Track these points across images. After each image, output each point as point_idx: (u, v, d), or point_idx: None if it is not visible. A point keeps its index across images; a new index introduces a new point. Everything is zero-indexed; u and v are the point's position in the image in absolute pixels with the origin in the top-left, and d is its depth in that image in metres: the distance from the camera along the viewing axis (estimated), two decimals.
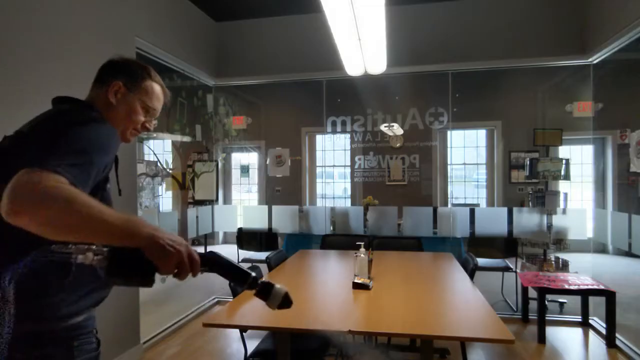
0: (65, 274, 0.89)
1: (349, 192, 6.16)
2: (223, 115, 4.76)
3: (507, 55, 3.78)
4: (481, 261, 3.75)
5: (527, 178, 4.23)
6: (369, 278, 2.22)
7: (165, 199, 4.51)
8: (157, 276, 0.81)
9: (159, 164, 3.84)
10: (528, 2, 3.74)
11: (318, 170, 6.21)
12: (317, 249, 3.64)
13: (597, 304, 3.54)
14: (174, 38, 3.58)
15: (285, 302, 0.90)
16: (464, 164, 6.17)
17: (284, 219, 4.33)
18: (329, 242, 3.64)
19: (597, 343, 3.18)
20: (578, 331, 3.43)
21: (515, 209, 3.95)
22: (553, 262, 3.90)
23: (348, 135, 5.25)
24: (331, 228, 4.25)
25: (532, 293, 3.33)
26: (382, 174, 5.03)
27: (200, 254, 0.83)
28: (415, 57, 3.93)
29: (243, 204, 6.98)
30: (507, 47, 3.78)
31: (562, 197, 3.89)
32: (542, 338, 3.11)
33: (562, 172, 3.88)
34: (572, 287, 3.15)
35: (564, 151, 5.41)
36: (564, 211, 3.82)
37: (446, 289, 2.32)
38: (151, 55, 3.33)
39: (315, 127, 5.81)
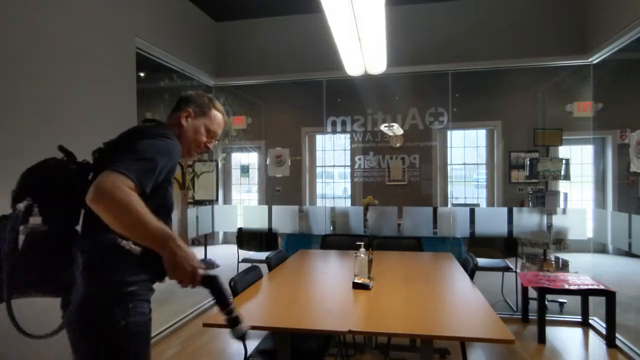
0: (129, 255, 1.16)
1: (349, 192, 6.16)
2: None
3: (507, 55, 3.78)
4: (481, 261, 3.75)
5: (527, 178, 4.23)
6: (369, 278, 2.22)
7: None
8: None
9: None
10: (528, 2, 3.74)
11: (318, 170, 6.21)
12: (317, 249, 3.64)
13: (597, 304, 3.54)
14: (174, 38, 3.58)
15: (242, 337, 1.15)
16: (464, 164, 6.16)
17: (284, 219, 4.33)
18: (329, 242, 3.64)
19: (597, 343, 3.18)
20: (578, 331, 3.43)
21: (515, 209, 3.95)
22: (553, 262, 3.90)
23: (348, 135, 5.24)
24: (331, 228, 4.25)
25: (532, 293, 3.33)
26: (382, 174, 5.03)
27: (203, 275, 1.09)
28: (415, 57, 3.93)
29: (243, 204, 6.98)
30: (507, 47, 3.78)
31: (562, 197, 3.89)
32: (542, 338, 3.11)
33: (562, 172, 3.88)
34: (572, 287, 3.15)
35: (564, 151, 5.41)
36: (564, 211, 3.82)
37: (446, 289, 2.32)
38: (151, 55, 3.33)
39: (315, 127, 5.81)
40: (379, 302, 1.97)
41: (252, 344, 2.11)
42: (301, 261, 3.02)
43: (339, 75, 4.02)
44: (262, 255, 4.25)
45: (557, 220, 3.80)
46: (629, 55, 3.48)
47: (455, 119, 4.51)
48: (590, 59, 3.59)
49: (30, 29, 2.13)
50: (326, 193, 6.39)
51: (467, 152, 6.16)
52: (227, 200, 6.97)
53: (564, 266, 3.87)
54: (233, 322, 1.13)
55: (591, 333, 3.37)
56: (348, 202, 6.15)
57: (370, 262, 2.32)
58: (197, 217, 4.23)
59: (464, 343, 2.28)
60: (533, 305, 3.37)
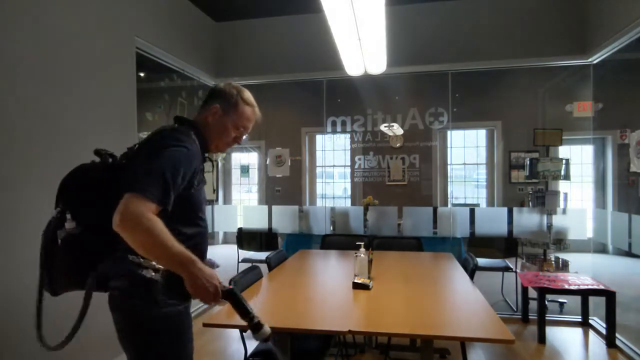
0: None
1: (349, 192, 6.16)
2: None
3: (507, 55, 3.78)
4: (481, 261, 3.75)
5: (527, 178, 4.23)
6: (369, 278, 2.22)
7: None
8: None
9: None
10: (528, 2, 3.74)
11: (318, 170, 6.21)
12: (317, 249, 3.64)
13: (597, 304, 3.54)
14: (174, 38, 3.58)
15: (266, 340, 1.19)
16: (464, 164, 6.16)
17: (284, 219, 4.33)
18: (329, 242, 3.64)
19: (597, 343, 3.18)
20: (578, 331, 3.42)
21: (515, 209, 3.95)
22: (553, 262, 3.90)
23: (348, 135, 5.24)
24: (331, 228, 4.25)
25: (532, 293, 3.33)
26: (382, 174, 5.03)
27: (223, 290, 1.15)
28: (415, 57, 3.93)
29: (243, 204, 6.98)
30: (507, 47, 3.78)
31: (562, 197, 3.89)
32: (542, 338, 3.11)
33: (562, 172, 3.88)
34: (572, 287, 3.15)
35: (564, 151, 5.41)
36: (564, 211, 3.82)
37: (446, 289, 2.32)
38: (151, 55, 3.33)
39: (315, 127, 5.81)
40: (379, 302, 1.96)
41: (252, 344, 2.11)
42: (301, 261, 3.01)
43: (339, 75, 4.02)
44: (262, 255, 4.24)
45: (557, 220, 3.80)
46: (629, 55, 3.48)
47: (455, 119, 4.51)
48: (590, 59, 3.59)
49: (31, 28, 2.13)
50: (326, 193, 6.39)
51: (467, 152, 6.16)
52: (227, 200, 6.97)
53: (564, 266, 3.87)
54: (256, 328, 1.18)
55: (591, 333, 3.37)
56: (348, 202, 6.15)
57: (370, 262, 2.32)
58: None
59: (464, 343, 2.28)
60: (533, 305, 3.37)
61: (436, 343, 2.66)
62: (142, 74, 3.27)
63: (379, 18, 2.42)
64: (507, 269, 3.92)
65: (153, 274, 1.16)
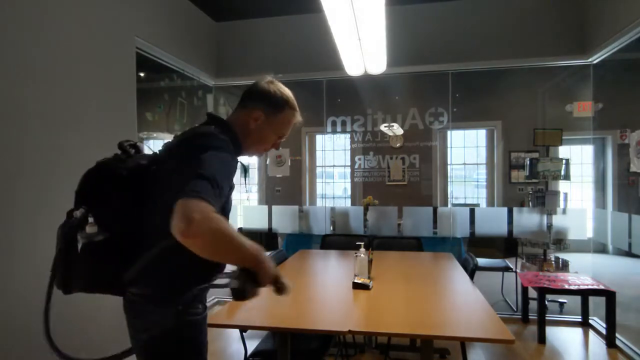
0: (205, 270, 1.12)
1: (349, 192, 6.16)
2: (223, 115, 4.76)
3: (507, 55, 3.78)
4: (481, 261, 3.75)
5: (527, 178, 4.23)
6: (369, 278, 2.22)
7: None
8: None
9: None
10: (528, 2, 3.74)
11: (318, 170, 6.20)
12: (317, 249, 3.64)
13: (597, 304, 3.54)
14: (174, 38, 3.58)
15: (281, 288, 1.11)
16: (464, 164, 6.16)
17: (284, 219, 4.33)
18: (329, 242, 3.64)
19: (597, 343, 3.18)
20: (578, 331, 3.42)
21: (515, 209, 3.95)
22: (553, 262, 3.90)
23: (348, 135, 5.24)
24: (331, 228, 4.25)
25: (532, 293, 3.33)
26: (382, 174, 5.03)
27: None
28: (415, 57, 3.93)
29: (243, 204, 6.97)
30: (507, 47, 3.78)
31: (562, 197, 3.89)
32: (542, 338, 3.11)
33: (562, 172, 3.88)
34: (572, 287, 3.15)
35: (564, 151, 5.41)
36: (564, 211, 3.82)
37: (446, 289, 2.32)
38: (151, 55, 3.33)
39: (315, 127, 5.80)
40: (379, 302, 1.96)
41: (252, 344, 2.11)
42: (301, 261, 3.01)
43: (339, 75, 4.02)
44: None
45: (557, 220, 3.80)
46: (629, 55, 3.48)
47: (455, 119, 4.51)
48: (590, 59, 3.59)
49: (31, 28, 2.13)
50: (326, 193, 6.39)
51: (467, 152, 6.16)
52: None
53: (564, 266, 3.87)
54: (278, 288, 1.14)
55: (591, 333, 3.37)
56: (348, 202, 6.15)
57: (370, 262, 2.32)
58: None
59: (464, 343, 2.28)
60: (533, 305, 3.37)
61: (436, 343, 2.65)
62: (142, 74, 3.27)
63: (379, 18, 2.42)
64: (507, 269, 3.92)
65: (226, 280, 1.04)
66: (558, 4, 3.69)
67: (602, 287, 3.12)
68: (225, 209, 1.19)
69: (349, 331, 1.60)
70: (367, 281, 2.17)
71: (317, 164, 6.16)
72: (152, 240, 1.10)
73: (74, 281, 1.13)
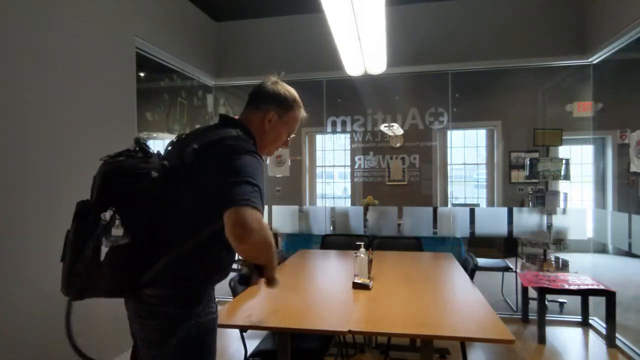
0: (218, 271, 1.22)
1: (349, 192, 6.16)
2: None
3: (507, 55, 3.78)
4: (481, 261, 3.75)
5: (527, 178, 4.23)
6: (369, 278, 2.22)
7: None
8: None
9: None
10: (528, 2, 3.74)
11: (318, 170, 6.21)
12: (317, 249, 3.64)
13: (597, 304, 3.54)
14: (174, 38, 3.58)
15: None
16: (464, 164, 6.16)
17: (284, 219, 4.33)
18: (329, 242, 3.64)
19: (597, 343, 3.18)
20: (578, 331, 3.43)
21: (515, 209, 3.95)
22: (553, 262, 3.90)
23: (348, 135, 5.25)
24: (331, 228, 4.25)
25: (532, 293, 3.33)
26: (382, 174, 5.03)
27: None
28: (415, 57, 3.93)
29: None
30: (507, 47, 3.78)
31: (562, 197, 3.88)
32: (542, 338, 3.11)
33: (562, 172, 3.88)
34: (572, 287, 3.15)
35: (564, 151, 5.41)
36: (564, 211, 3.82)
37: (446, 289, 2.32)
38: (151, 55, 3.33)
39: (315, 127, 5.80)
40: (379, 302, 1.96)
41: (252, 344, 2.11)
42: (301, 261, 3.01)
43: (339, 75, 4.02)
44: None
45: (557, 220, 3.80)
46: (629, 55, 3.48)
47: (455, 119, 4.51)
48: (590, 59, 3.59)
49: (30, 28, 2.13)
50: (326, 193, 6.39)
51: (467, 152, 6.16)
52: None
53: (564, 266, 3.87)
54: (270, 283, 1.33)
55: (591, 333, 3.37)
56: (348, 202, 6.15)
57: (370, 262, 2.31)
58: None
59: (464, 343, 2.28)
60: (533, 305, 3.37)
61: (436, 343, 2.66)
62: (142, 74, 3.27)
63: (379, 18, 2.42)
64: (507, 269, 3.92)
65: (245, 270, 1.24)
66: (558, 4, 3.69)
67: (602, 287, 3.12)
68: None
69: (349, 331, 1.60)
70: (367, 281, 2.17)
71: (317, 164, 6.17)
72: (171, 241, 1.12)
73: (92, 288, 1.09)
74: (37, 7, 2.18)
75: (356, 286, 2.15)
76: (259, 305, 1.98)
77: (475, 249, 3.88)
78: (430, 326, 1.63)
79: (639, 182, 5.25)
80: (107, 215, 1.06)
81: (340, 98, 4.90)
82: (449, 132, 5.84)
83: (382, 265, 2.73)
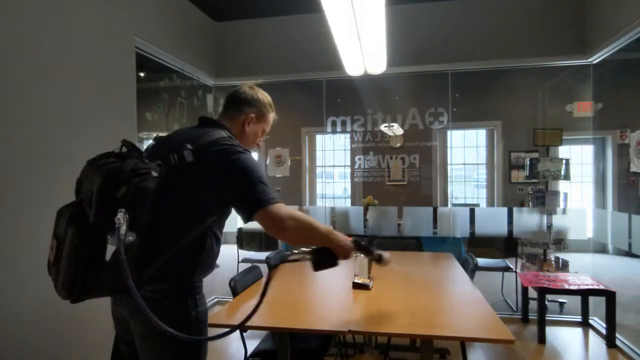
0: (210, 262, 1.28)
1: (349, 192, 6.16)
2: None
3: (507, 55, 3.78)
4: (481, 261, 3.75)
5: (527, 178, 4.23)
6: (369, 278, 2.22)
7: None
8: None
9: None
10: (528, 2, 3.74)
11: (318, 170, 6.21)
12: None
13: (597, 304, 3.54)
14: (174, 38, 3.58)
15: (380, 260, 1.57)
16: (464, 164, 6.17)
17: None
18: None
19: (597, 343, 3.18)
20: (578, 331, 3.43)
21: (515, 209, 3.95)
22: (553, 262, 3.90)
23: (348, 135, 5.25)
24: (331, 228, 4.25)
25: (532, 293, 3.33)
26: (382, 174, 5.03)
27: (353, 241, 1.39)
28: (415, 57, 3.93)
29: None
30: (507, 47, 3.78)
31: (562, 197, 3.89)
32: (542, 338, 3.11)
33: (562, 172, 3.88)
34: (572, 287, 3.15)
35: (564, 151, 5.41)
36: (564, 211, 3.82)
37: (446, 289, 2.32)
38: (151, 55, 3.33)
39: (315, 127, 5.81)
40: (379, 302, 1.96)
41: (252, 344, 2.11)
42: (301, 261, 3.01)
43: (339, 75, 4.02)
44: (262, 255, 4.25)
45: (557, 220, 3.80)
46: (629, 55, 3.48)
47: (455, 119, 4.51)
48: (590, 59, 3.59)
49: (30, 28, 2.13)
50: (326, 193, 6.39)
51: (467, 152, 6.16)
52: None
53: (564, 266, 3.87)
54: (379, 260, 1.56)
55: (591, 333, 3.37)
56: (348, 202, 6.15)
57: (370, 262, 2.31)
58: None
59: (464, 343, 2.28)
60: (533, 305, 3.37)
61: (436, 343, 2.66)
62: (142, 74, 3.27)
63: (379, 18, 2.42)
64: (507, 269, 3.92)
65: (304, 257, 1.34)
66: (558, 4, 3.69)
67: (602, 287, 3.12)
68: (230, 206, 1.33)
69: (349, 331, 1.60)
70: (367, 281, 2.17)
71: (317, 164, 6.17)
72: (171, 237, 1.18)
73: (94, 289, 1.08)
74: (37, 7, 2.17)
75: (356, 286, 2.15)
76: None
77: (475, 249, 3.88)
78: (430, 326, 1.63)
79: (639, 182, 5.25)
80: (121, 216, 1.02)
81: (340, 98, 4.90)
82: (449, 132, 5.85)
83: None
